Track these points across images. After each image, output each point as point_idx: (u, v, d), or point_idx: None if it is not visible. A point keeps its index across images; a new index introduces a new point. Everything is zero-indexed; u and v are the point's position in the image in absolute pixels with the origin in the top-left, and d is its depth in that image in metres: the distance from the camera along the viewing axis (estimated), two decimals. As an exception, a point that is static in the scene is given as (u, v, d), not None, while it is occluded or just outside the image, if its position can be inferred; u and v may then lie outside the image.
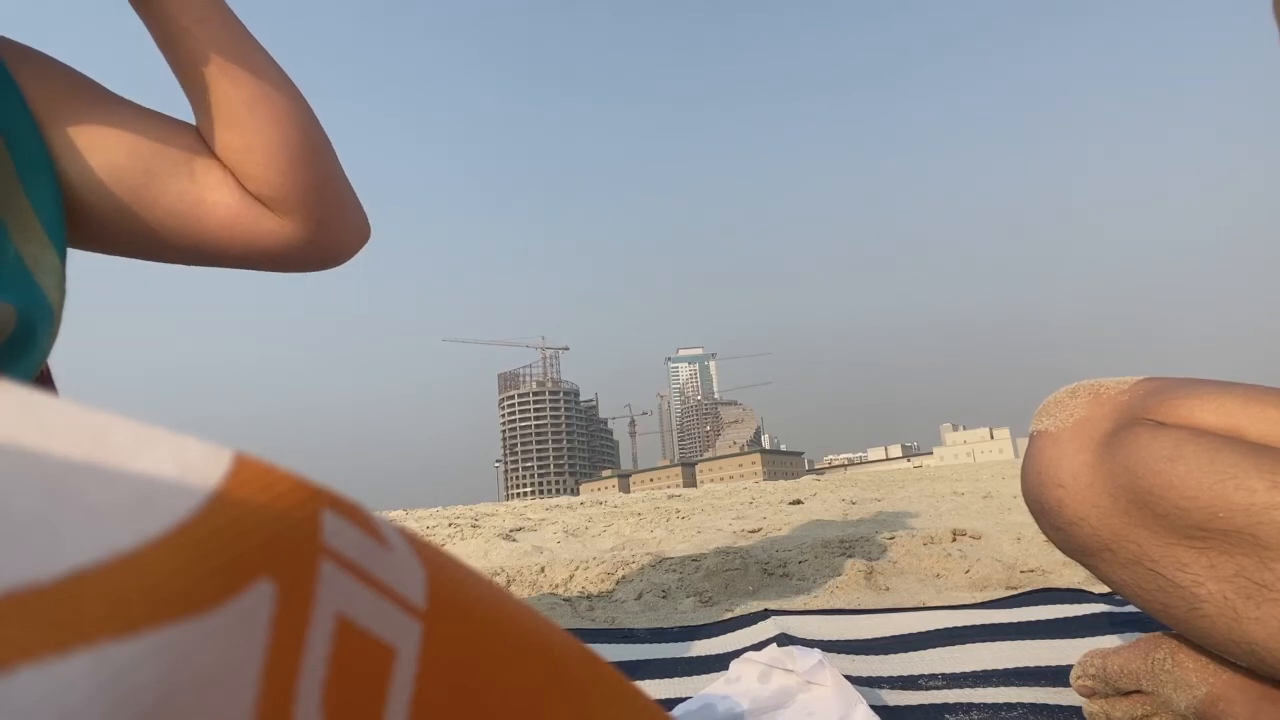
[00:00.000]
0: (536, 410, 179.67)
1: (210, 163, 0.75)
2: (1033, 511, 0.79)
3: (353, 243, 0.83)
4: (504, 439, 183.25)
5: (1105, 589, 1.33)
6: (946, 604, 1.41)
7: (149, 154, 0.73)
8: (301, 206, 0.76)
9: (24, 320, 0.64)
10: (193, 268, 0.81)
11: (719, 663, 1.10)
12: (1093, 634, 1.12)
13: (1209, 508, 0.63)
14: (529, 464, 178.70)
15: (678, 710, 0.86)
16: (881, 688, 0.99)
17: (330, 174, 0.79)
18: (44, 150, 0.69)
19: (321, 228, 0.78)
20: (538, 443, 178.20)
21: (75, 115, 0.71)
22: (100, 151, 0.71)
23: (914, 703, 0.93)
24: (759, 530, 2.64)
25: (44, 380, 0.73)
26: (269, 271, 0.80)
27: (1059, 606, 1.26)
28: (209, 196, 0.74)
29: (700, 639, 1.31)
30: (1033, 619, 1.22)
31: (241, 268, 0.79)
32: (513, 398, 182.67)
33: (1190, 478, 0.64)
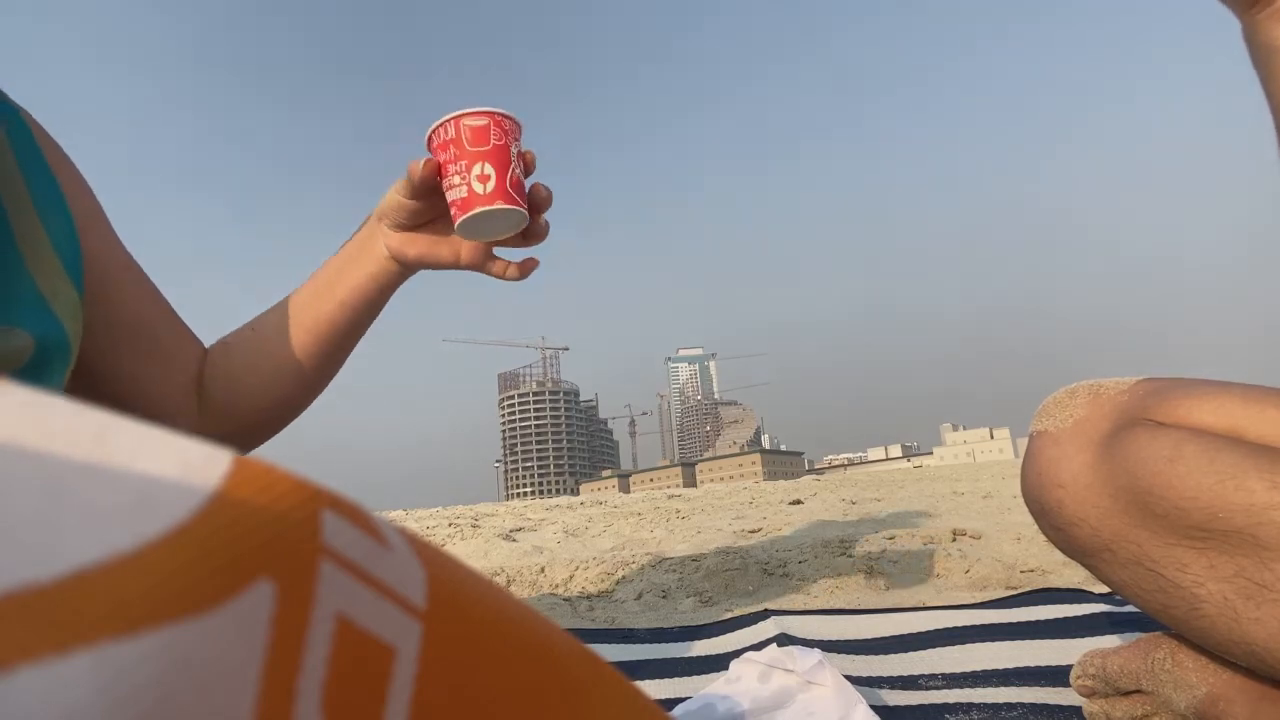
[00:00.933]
0: (536, 410, 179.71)
1: (172, 357, 0.80)
2: (1033, 512, 0.79)
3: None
4: (504, 439, 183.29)
5: (1105, 589, 1.33)
6: (946, 604, 1.41)
7: (119, 324, 0.76)
8: (237, 426, 0.83)
9: (41, 350, 0.64)
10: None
11: (719, 663, 1.10)
12: (1092, 634, 1.12)
13: (1209, 508, 0.63)
14: (529, 464, 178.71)
15: (678, 710, 0.86)
16: (881, 688, 0.99)
17: (285, 424, 0.88)
18: (61, 196, 0.69)
19: (230, 442, 0.83)
20: (538, 443, 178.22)
21: (92, 252, 0.74)
22: (103, 304, 0.74)
23: (914, 703, 0.93)
24: (759, 530, 2.64)
25: None
26: None
27: (1059, 606, 1.26)
28: (152, 385, 0.79)
29: (700, 639, 1.31)
30: (1033, 619, 1.22)
31: None
32: (513, 398, 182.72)
33: (1190, 478, 0.64)
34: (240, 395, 0.82)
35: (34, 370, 0.64)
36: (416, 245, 0.83)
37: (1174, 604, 0.67)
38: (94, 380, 0.75)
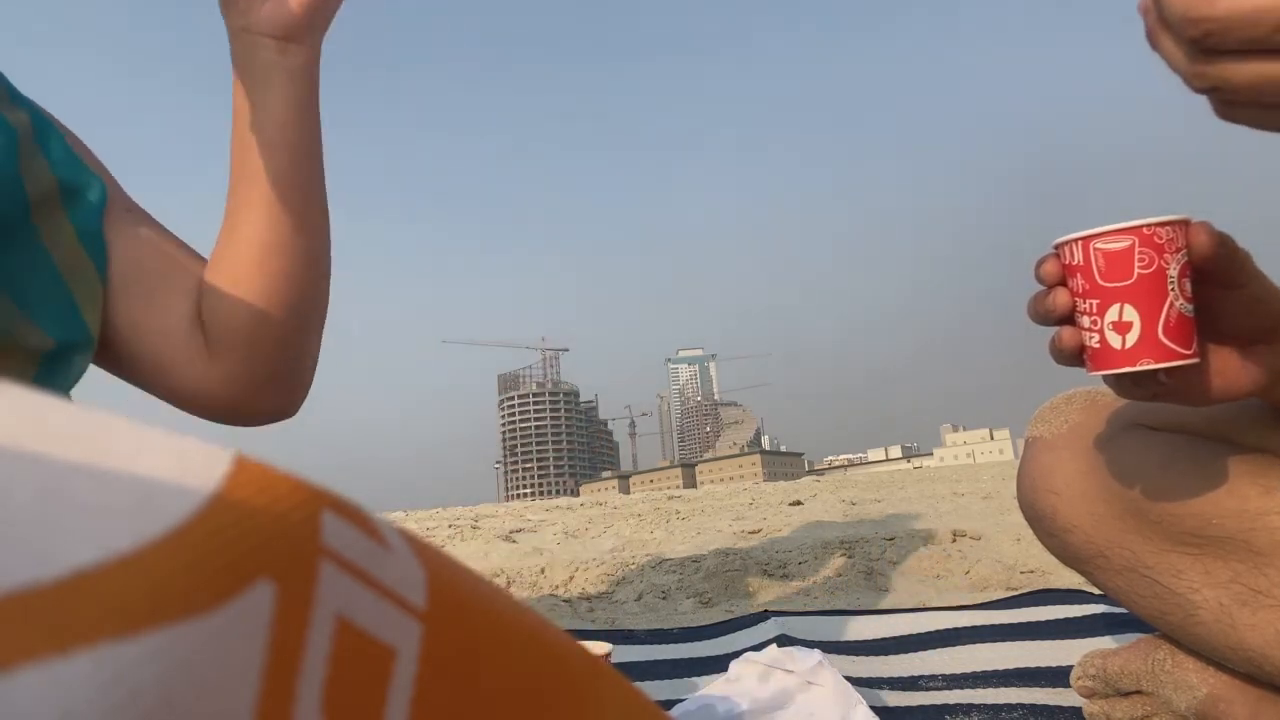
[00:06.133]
0: (536, 411, 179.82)
1: (171, 293, 0.71)
2: (1027, 518, 0.79)
3: (276, 413, 0.76)
4: (504, 440, 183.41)
5: (1105, 590, 1.34)
6: (946, 605, 1.41)
7: (116, 261, 0.70)
8: (243, 361, 0.70)
9: (62, 346, 0.65)
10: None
11: (719, 664, 1.10)
12: (1092, 635, 1.12)
13: (1201, 514, 0.63)
14: (529, 465, 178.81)
15: (677, 711, 0.86)
16: (882, 689, 0.99)
17: (295, 349, 0.73)
18: (86, 171, 0.68)
19: (247, 392, 0.72)
20: (538, 444, 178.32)
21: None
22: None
23: (914, 703, 0.93)
24: (759, 531, 2.64)
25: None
26: (187, 411, 0.74)
27: (1059, 607, 1.26)
28: (149, 324, 0.70)
29: (700, 640, 1.31)
30: (1032, 620, 1.22)
31: (163, 399, 0.74)
32: (512, 399, 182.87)
33: (1182, 484, 0.64)
34: (227, 312, 0.69)
35: (53, 363, 0.65)
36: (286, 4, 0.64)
37: (1170, 610, 0.67)
38: (110, 340, 0.70)
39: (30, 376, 0.64)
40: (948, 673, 1.04)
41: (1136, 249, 0.55)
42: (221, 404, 0.72)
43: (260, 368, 0.71)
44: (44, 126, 0.68)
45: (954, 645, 1.14)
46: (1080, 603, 1.27)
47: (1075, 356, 0.58)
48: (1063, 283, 0.58)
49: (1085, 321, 0.57)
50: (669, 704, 0.96)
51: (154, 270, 0.71)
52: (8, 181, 0.63)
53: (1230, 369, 0.57)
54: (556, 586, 1.89)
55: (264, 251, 0.68)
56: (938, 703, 0.93)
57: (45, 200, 0.65)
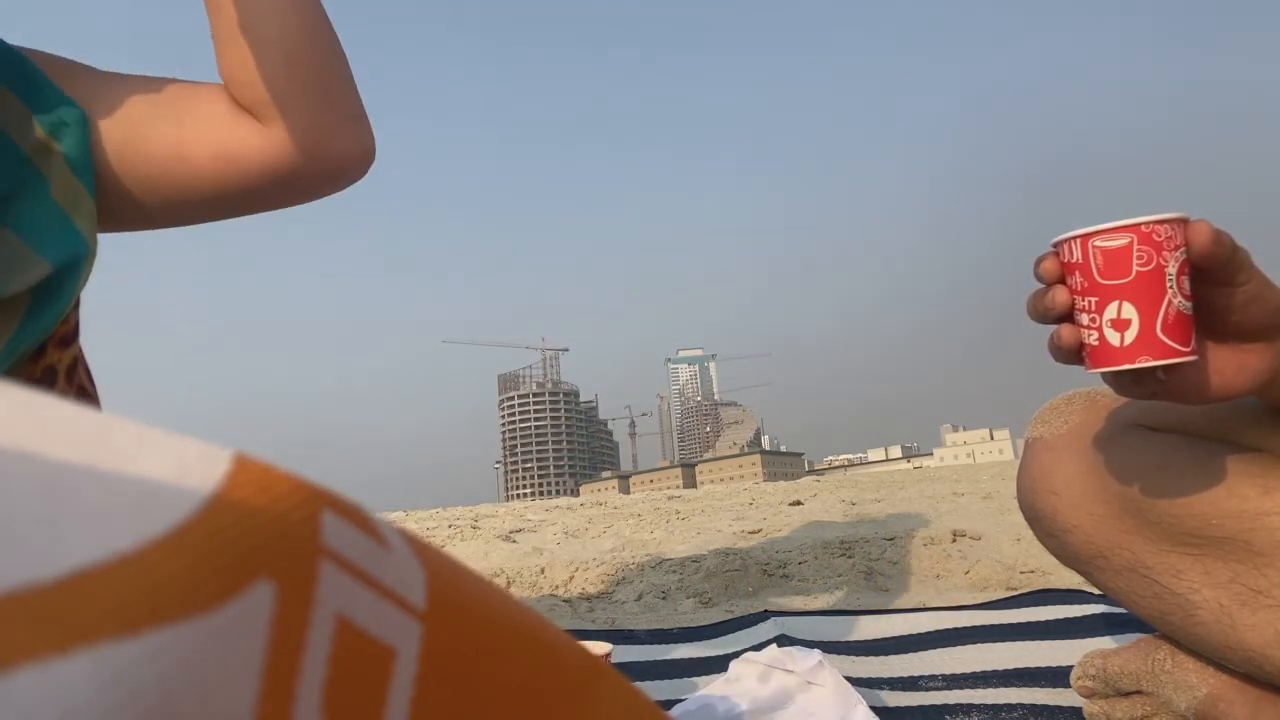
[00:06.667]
0: (536, 411, 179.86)
1: (197, 103, 0.73)
2: (1027, 518, 0.79)
3: (351, 156, 0.76)
4: (504, 440, 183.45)
5: (1105, 590, 1.33)
6: (946, 605, 1.41)
7: (132, 108, 0.72)
8: (293, 107, 0.72)
9: (59, 269, 0.66)
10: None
11: (719, 664, 1.10)
12: (1092, 635, 1.12)
13: (1201, 514, 0.63)
14: (529, 465, 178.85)
15: (677, 710, 0.86)
16: (882, 689, 0.99)
17: (328, 70, 0.74)
18: (69, 103, 0.69)
19: (313, 134, 0.73)
20: (538, 444, 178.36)
21: (68, 88, 0.71)
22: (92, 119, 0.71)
23: (914, 703, 0.93)
24: (759, 531, 2.64)
25: (70, 337, 0.74)
26: (271, 206, 0.77)
27: (1059, 607, 1.26)
28: (192, 135, 0.72)
29: (700, 640, 1.31)
30: (1032, 620, 1.22)
31: (244, 210, 0.76)
32: (512, 399, 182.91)
33: (1182, 484, 0.64)
34: (258, 63, 0.72)
35: (49, 286, 0.67)
36: None
37: (1170, 610, 0.67)
38: (162, 178, 0.72)
39: (24, 308, 0.66)
40: (948, 673, 1.04)
41: (1135, 246, 0.56)
42: (302, 161, 0.74)
43: (315, 105, 0.73)
44: (8, 68, 0.68)
45: (954, 645, 1.14)
46: (1080, 603, 1.27)
47: (1074, 354, 0.58)
48: (1061, 280, 0.58)
49: (1084, 319, 0.57)
50: (669, 704, 0.96)
51: (166, 98, 0.73)
52: (3, 154, 0.65)
53: (1229, 367, 0.58)
54: (556, 586, 1.89)
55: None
56: (938, 703, 0.93)
57: (40, 148, 0.67)
